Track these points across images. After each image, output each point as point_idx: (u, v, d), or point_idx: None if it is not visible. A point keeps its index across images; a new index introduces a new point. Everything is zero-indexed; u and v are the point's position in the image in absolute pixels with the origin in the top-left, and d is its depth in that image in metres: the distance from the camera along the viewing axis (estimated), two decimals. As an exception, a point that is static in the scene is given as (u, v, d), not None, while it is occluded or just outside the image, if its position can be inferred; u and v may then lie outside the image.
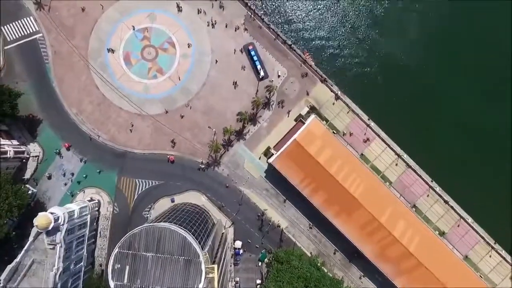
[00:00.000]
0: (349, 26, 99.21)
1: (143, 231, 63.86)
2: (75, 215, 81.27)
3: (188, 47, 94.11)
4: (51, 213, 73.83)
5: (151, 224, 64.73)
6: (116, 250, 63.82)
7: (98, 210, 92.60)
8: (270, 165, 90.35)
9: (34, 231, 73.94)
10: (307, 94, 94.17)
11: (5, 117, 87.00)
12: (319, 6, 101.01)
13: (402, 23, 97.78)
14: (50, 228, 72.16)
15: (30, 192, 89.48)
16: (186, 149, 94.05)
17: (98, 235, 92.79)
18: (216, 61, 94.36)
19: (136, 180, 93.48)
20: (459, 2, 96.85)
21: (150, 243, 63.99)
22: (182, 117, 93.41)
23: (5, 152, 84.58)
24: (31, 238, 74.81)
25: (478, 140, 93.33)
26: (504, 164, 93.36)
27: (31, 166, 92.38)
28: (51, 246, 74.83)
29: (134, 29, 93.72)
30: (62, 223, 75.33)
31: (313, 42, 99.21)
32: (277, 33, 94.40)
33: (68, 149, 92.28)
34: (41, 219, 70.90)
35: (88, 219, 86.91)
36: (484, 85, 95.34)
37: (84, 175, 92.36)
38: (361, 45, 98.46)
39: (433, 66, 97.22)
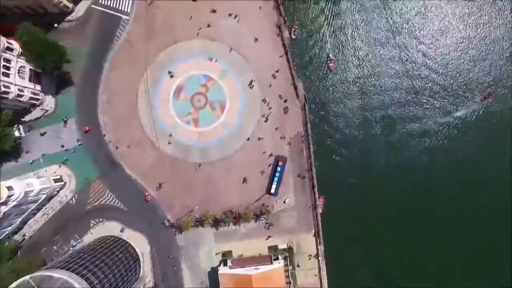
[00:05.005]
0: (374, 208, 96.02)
1: (60, 280, 62.99)
2: (32, 194, 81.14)
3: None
4: (9, 188, 73.51)
5: (71, 278, 63.59)
6: (27, 277, 63.10)
7: (58, 191, 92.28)
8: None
9: (-19, 192, 73.67)
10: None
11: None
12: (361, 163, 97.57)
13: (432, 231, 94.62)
14: (-2, 202, 71.96)
15: (17, 135, 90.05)
16: (165, 199, 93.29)
17: (43, 209, 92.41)
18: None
19: (108, 191, 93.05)
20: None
21: (59, 293, 63.22)
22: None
23: (22, 96, 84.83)
24: (-25, 194, 74.55)
25: None
26: None
27: (35, 113, 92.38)
28: (-11, 213, 74.69)
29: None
30: (13, 199, 75.11)
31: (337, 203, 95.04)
32: (312, 168, 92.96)
33: (86, 132, 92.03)
34: (-6, 192, 70.60)
35: (42, 198, 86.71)
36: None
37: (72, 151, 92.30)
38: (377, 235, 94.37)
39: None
